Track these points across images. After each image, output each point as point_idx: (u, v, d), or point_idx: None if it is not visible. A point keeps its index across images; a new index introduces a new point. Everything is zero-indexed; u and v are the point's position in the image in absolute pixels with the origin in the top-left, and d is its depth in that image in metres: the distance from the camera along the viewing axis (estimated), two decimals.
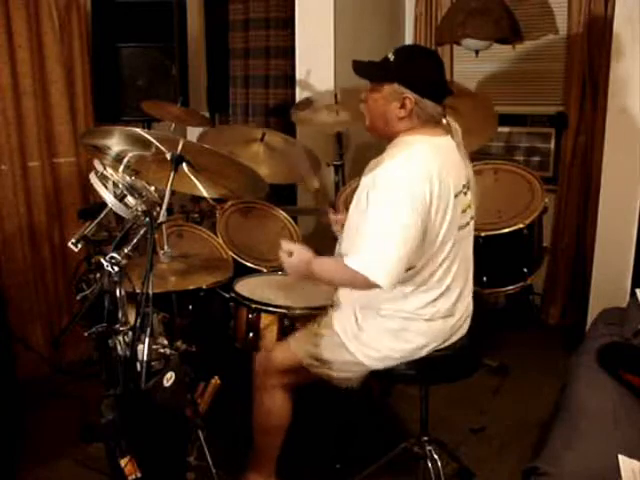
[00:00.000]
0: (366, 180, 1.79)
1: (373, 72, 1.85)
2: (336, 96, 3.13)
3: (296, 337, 2.03)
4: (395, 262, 1.68)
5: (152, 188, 1.79)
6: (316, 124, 3.24)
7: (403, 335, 1.86)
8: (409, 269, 1.76)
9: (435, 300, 1.85)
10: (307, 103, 3.26)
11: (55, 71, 3.05)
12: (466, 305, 1.97)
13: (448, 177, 1.74)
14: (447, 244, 1.79)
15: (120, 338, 1.70)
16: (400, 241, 1.67)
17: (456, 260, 1.85)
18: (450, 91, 1.83)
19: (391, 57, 1.80)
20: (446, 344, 1.92)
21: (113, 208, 1.68)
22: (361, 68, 1.88)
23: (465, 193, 1.84)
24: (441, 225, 1.75)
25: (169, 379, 1.63)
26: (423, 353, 1.89)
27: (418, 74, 1.79)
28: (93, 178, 1.71)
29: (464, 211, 1.84)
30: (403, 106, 1.77)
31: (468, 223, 1.88)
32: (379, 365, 1.91)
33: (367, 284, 1.70)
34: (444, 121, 1.86)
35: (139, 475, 1.51)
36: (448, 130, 1.86)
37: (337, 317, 1.97)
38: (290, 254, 1.88)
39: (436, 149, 1.78)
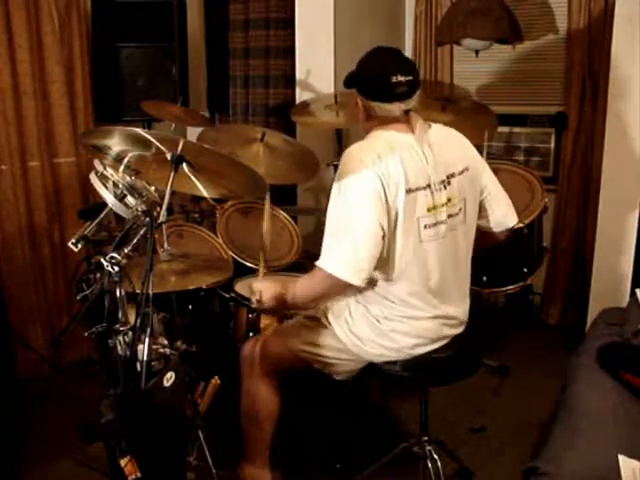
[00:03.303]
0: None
1: (345, 80, 1.94)
2: (336, 96, 3.12)
3: (289, 323, 2.06)
4: (360, 257, 1.73)
5: (152, 188, 1.79)
6: (316, 124, 3.24)
7: (390, 335, 1.87)
8: (377, 269, 1.79)
9: (417, 300, 1.85)
10: (307, 103, 3.26)
11: (55, 71, 3.05)
12: (459, 305, 1.96)
13: (401, 174, 1.75)
14: (408, 242, 1.79)
15: (120, 338, 1.69)
16: (362, 236, 1.72)
17: (429, 260, 1.83)
18: (405, 92, 1.79)
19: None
20: (440, 343, 1.92)
21: (113, 208, 1.68)
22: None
23: (437, 190, 1.81)
24: (395, 220, 1.76)
25: (169, 379, 1.63)
26: (416, 352, 1.90)
27: (363, 78, 1.86)
28: (93, 178, 1.71)
29: (431, 210, 1.81)
30: (359, 109, 1.89)
31: (442, 222, 1.83)
32: (370, 357, 1.93)
33: (341, 285, 1.77)
34: (416, 118, 1.86)
35: (139, 475, 1.51)
36: (410, 127, 1.85)
37: (331, 308, 1.98)
38: (259, 295, 1.95)
39: (397, 143, 1.80)
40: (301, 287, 1.91)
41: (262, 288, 1.96)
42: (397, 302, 1.86)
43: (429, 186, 1.81)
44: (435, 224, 1.83)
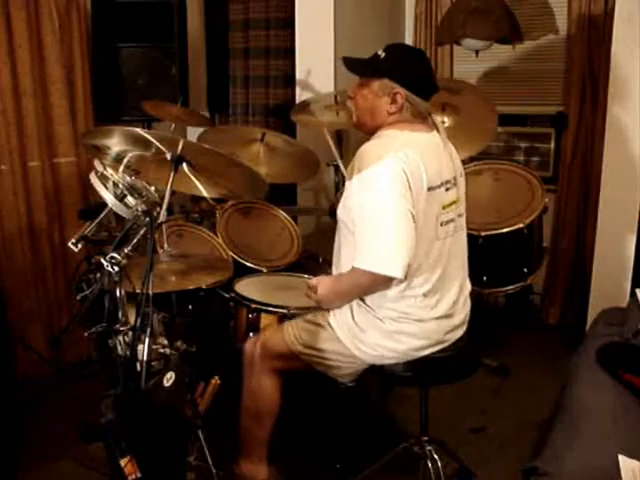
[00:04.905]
0: (351, 182, 1.79)
1: (364, 68, 1.88)
2: (336, 96, 3.13)
3: (291, 324, 2.05)
4: (400, 250, 1.68)
5: (152, 188, 1.79)
6: (316, 124, 3.24)
7: (396, 336, 1.87)
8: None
9: (426, 300, 1.84)
10: (307, 103, 3.26)
11: (55, 71, 3.05)
12: (462, 305, 1.96)
13: (422, 170, 1.74)
14: (425, 239, 1.79)
15: (120, 338, 1.70)
16: (397, 230, 1.69)
17: (441, 259, 1.85)
18: (437, 88, 1.87)
19: (381, 54, 1.84)
20: (443, 345, 1.92)
21: (113, 208, 1.69)
22: (352, 64, 1.92)
23: (447, 189, 1.83)
24: (417, 216, 1.75)
25: (169, 379, 1.63)
26: (420, 354, 1.89)
27: (408, 70, 1.83)
28: (93, 178, 1.71)
29: (445, 207, 1.83)
30: (394, 101, 1.82)
31: (452, 220, 1.87)
32: (373, 360, 1.92)
33: (385, 280, 1.74)
34: (434, 117, 1.90)
35: (139, 475, 1.51)
36: (433, 126, 1.89)
37: (333, 310, 1.97)
38: (314, 289, 1.92)
39: (415, 142, 1.79)
40: (340, 287, 1.88)
41: (315, 282, 1.94)
42: (405, 302, 1.84)
43: (446, 183, 1.83)
44: (448, 222, 1.85)
